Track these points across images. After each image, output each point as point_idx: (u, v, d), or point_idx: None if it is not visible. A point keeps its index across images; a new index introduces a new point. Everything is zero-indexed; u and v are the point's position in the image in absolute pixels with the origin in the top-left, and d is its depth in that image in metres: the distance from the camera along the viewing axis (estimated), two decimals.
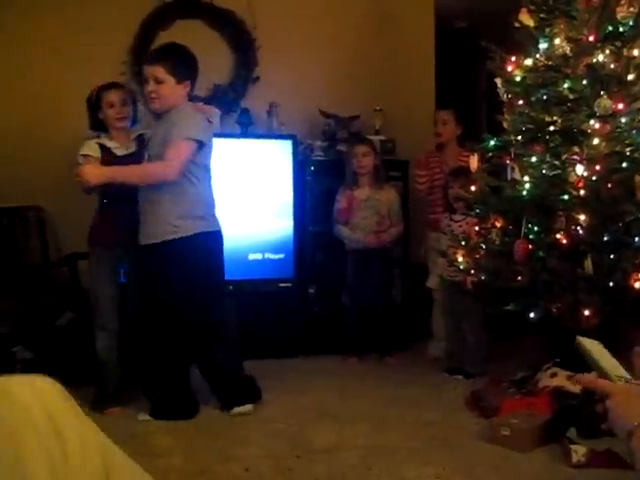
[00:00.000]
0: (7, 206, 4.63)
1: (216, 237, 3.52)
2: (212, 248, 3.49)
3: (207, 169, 3.50)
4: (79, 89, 4.87)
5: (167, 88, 3.35)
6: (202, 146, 3.37)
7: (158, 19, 5.12)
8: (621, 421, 0.97)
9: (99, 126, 3.71)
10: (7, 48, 4.90)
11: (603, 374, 1.06)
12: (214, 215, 3.54)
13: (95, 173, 3.35)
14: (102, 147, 3.62)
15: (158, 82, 3.35)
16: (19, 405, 1.15)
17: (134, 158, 3.58)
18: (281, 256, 4.78)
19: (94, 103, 3.67)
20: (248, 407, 3.54)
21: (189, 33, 5.16)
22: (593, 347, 1.07)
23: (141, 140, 3.69)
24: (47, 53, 4.94)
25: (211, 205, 3.52)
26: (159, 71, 3.34)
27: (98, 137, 3.69)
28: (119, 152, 3.63)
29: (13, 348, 4.07)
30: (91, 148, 3.61)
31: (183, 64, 3.41)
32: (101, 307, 3.61)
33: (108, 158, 3.58)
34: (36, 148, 4.86)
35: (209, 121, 3.48)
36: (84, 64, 4.92)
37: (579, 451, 2.82)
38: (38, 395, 1.23)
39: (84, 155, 3.60)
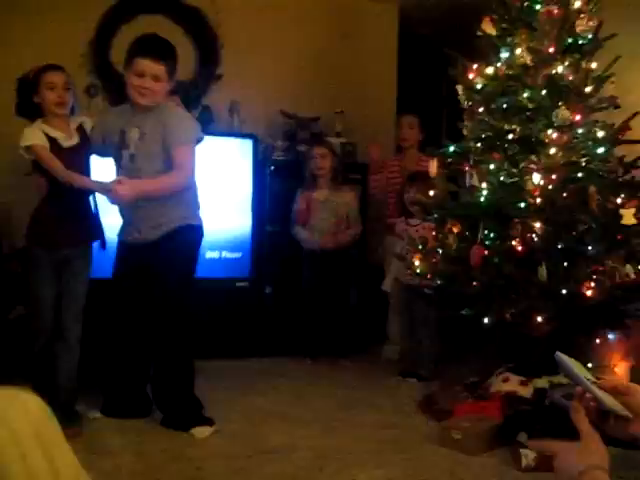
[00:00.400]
0: None
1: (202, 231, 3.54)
2: (199, 242, 3.51)
3: None
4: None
5: (162, 86, 3.25)
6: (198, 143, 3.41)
7: (120, 12, 5.04)
8: (565, 474, 1.07)
9: (29, 112, 3.33)
10: None
11: (577, 379, 1.17)
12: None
13: (130, 194, 3.16)
14: (47, 137, 3.30)
15: (156, 80, 3.24)
16: (5, 421, 1.13)
17: (79, 150, 3.35)
18: (238, 255, 4.75)
19: (30, 84, 3.32)
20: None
21: (152, 28, 5.04)
22: (569, 360, 1.20)
23: (82, 130, 3.42)
24: (4, 45, 4.82)
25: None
26: (161, 70, 3.23)
27: (38, 125, 3.31)
28: (65, 143, 3.31)
29: None
30: (38, 137, 3.26)
31: (176, 64, 3.35)
32: (42, 310, 3.34)
33: (53, 150, 3.27)
34: None
35: None
36: (43, 57, 4.81)
37: (529, 455, 2.87)
38: (26, 412, 1.22)
39: (28, 146, 3.26)
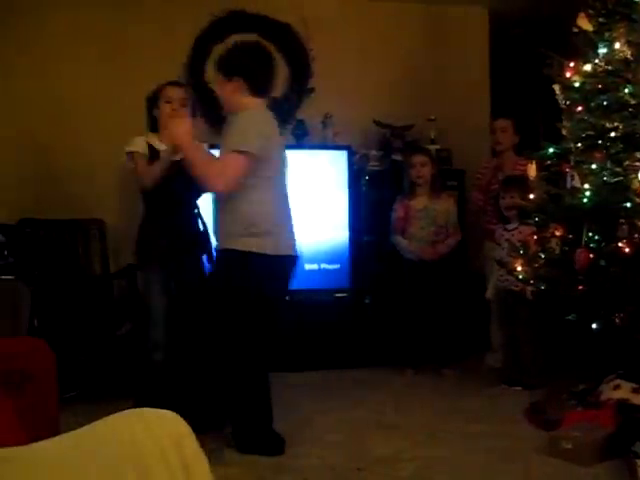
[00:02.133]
0: (70, 218, 4.75)
1: (273, 261, 3.13)
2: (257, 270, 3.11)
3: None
4: (138, 105, 5.01)
5: (218, 87, 3.33)
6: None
7: (212, 33, 5.19)
8: None
9: (153, 126, 3.52)
10: (67, 67, 5.03)
11: None
12: (278, 234, 3.17)
13: (184, 129, 3.07)
14: (150, 147, 3.42)
15: (219, 90, 3.33)
16: (153, 439, 1.20)
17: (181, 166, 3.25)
18: (337, 266, 4.78)
19: (152, 99, 3.51)
20: None
21: None
22: None
23: None
24: (107, 71, 5.05)
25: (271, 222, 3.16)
26: (217, 75, 3.30)
27: (146, 135, 3.49)
28: (170, 157, 3.30)
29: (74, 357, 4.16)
30: (140, 146, 3.41)
31: (229, 60, 3.28)
32: (156, 323, 3.42)
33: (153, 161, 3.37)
34: (98, 163, 4.97)
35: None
36: (141, 80, 5.02)
37: None
38: (172, 433, 1.28)
39: (130, 152, 3.41)
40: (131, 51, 5.07)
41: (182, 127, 3.09)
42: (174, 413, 1.42)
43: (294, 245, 3.26)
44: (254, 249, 3.08)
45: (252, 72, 3.16)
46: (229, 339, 3.17)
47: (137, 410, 1.40)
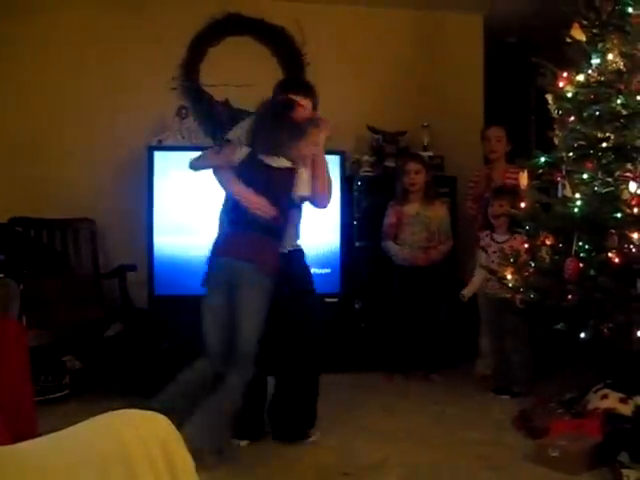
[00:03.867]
0: (60, 218, 4.73)
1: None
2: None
3: None
4: (132, 105, 5.02)
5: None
6: None
7: (208, 35, 5.20)
8: None
9: None
10: (62, 67, 5.02)
11: None
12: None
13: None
14: None
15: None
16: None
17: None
18: (327, 271, 4.77)
19: None
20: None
21: (239, 49, 5.24)
22: None
23: None
24: (102, 71, 5.04)
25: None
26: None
27: None
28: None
29: (63, 357, 4.15)
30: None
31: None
32: None
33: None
34: (88, 163, 4.97)
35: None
36: (136, 81, 5.03)
37: (631, 476, 2.75)
38: (159, 435, 1.28)
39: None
40: (127, 52, 5.07)
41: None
42: (162, 415, 1.42)
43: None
44: None
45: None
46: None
47: (124, 411, 1.40)
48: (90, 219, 4.85)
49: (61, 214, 4.74)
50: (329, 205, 3.38)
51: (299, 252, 3.47)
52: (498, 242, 4.30)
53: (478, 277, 4.34)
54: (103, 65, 5.05)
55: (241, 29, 5.25)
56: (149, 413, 1.40)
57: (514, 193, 4.06)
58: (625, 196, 3.24)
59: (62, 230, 4.78)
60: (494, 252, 4.25)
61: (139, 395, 3.84)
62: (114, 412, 1.40)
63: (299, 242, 3.47)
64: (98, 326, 4.43)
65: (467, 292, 4.39)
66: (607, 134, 3.45)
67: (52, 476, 1.22)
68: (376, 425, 3.65)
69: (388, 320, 4.73)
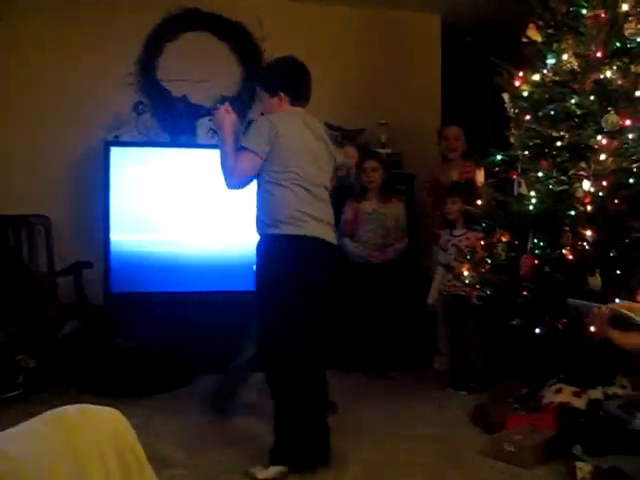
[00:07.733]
0: (14, 214, 4.64)
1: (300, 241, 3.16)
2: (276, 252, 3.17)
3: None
4: (86, 100, 4.94)
5: (263, 103, 3.38)
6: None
7: (166, 31, 5.14)
8: None
9: None
10: (15, 60, 4.92)
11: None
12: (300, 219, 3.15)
13: (220, 119, 3.16)
14: None
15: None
16: (91, 437, 1.18)
17: None
18: None
19: None
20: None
21: (197, 45, 5.19)
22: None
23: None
24: (53, 65, 4.95)
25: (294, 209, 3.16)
26: (261, 93, 3.39)
27: None
28: None
29: (17, 357, 4.07)
30: None
31: (270, 78, 3.38)
32: None
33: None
34: (42, 159, 4.87)
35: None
36: (91, 77, 4.95)
37: (584, 468, 2.79)
38: (110, 432, 1.26)
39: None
40: (81, 47, 4.98)
41: (221, 115, 3.17)
42: (115, 410, 1.40)
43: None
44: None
45: (292, 86, 3.40)
46: None
47: (76, 407, 1.38)
48: (44, 215, 4.76)
49: (14, 210, 4.64)
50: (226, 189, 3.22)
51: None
52: (455, 236, 4.34)
53: (438, 278, 4.40)
54: (57, 60, 4.95)
55: (199, 24, 5.20)
56: (102, 408, 1.38)
57: (468, 189, 4.11)
58: (579, 194, 3.30)
59: (15, 227, 4.69)
60: (453, 245, 4.29)
61: (94, 393, 3.82)
62: (65, 407, 1.37)
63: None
64: (53, 324, 4.36)
65: (431, 299, 4.45)
66: (562, 133, 3.51)
67: None
68: (334, 422, 3.64)
69: (345, 317, 4.73)
